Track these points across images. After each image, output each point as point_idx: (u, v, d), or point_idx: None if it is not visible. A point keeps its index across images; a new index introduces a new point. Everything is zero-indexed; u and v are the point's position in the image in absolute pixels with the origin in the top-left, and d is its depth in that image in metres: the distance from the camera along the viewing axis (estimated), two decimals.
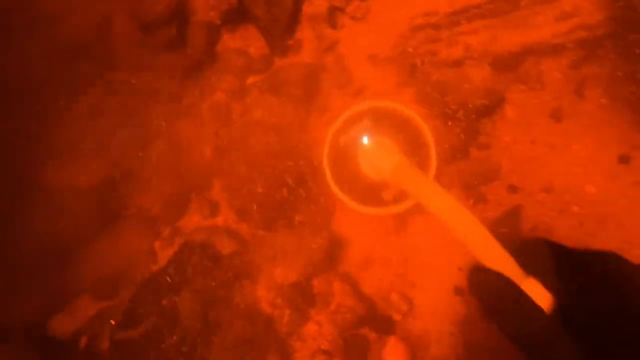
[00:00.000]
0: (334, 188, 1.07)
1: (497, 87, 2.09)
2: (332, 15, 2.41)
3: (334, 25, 2.42)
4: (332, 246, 2.08)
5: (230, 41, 2.55)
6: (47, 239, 2.21)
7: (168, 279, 1.98)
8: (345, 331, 1.95)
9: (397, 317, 2.01)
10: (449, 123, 2.20)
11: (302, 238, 2.03)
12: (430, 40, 2.14)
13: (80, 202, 2.32)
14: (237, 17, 2.53)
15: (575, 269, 0.69)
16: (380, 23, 2.38)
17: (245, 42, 2.55)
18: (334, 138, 1.12)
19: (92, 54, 2.47)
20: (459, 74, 2.10)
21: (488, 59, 2.09)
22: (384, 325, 1.99)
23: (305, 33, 2.45)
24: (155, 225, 2.37)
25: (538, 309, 0.67)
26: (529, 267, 0.76)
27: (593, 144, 2.02)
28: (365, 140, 1.11)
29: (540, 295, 0.67)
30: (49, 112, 2.33)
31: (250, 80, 2.45)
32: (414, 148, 1.13)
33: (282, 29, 2.39)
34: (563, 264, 0.72)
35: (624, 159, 1.98)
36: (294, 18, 2.43)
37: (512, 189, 2.09)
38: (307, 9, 2.42)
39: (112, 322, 2.06)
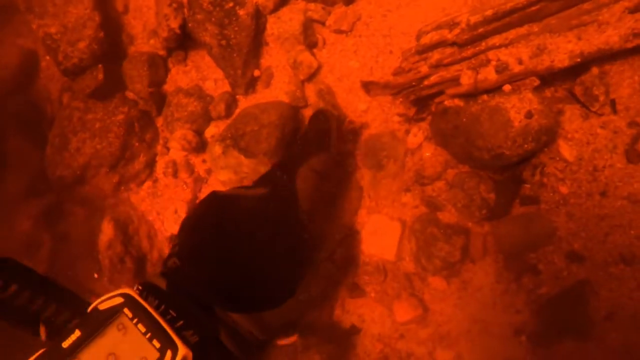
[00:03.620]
0: None
1: (547, 119, 1.48)
2: (309, 31, 1.77)
3: (312, 45, 1.79)
4: None
5: (180, 76, 1.95)
6: None
7: None
8: None
9: None
10: (479, 172, 1.62)
11: None
12: (447, 60, 1.51)
13: None
14: (185, 43, 1.92)
15: None
16: (374, 36, 1.74)
17: (200, 73, 1.94)
18: None
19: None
20: (490, 109, 1.49)
21: (532, 81, 1.47)
22: None
23: (275, 59, 1.83)
24: None
25: None
26: None
27: None
28: None
29: None
30: None
31: (211, 130, 1.87)
32: None
33: (242, 58, 1.78)
34: None
35: None
36: (257, 41, 1.80)
37: (574, 257, 1.53)
38: (273, 27, 1.78)
39: None
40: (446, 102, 1.57)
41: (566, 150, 1.54)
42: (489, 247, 1.65)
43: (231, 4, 1.74)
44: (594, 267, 1.50)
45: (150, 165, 1.94)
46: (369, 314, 1.69)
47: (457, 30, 1.45)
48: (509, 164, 1.51)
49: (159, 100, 1.94)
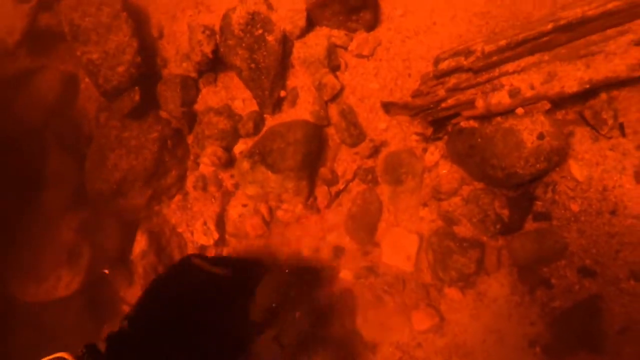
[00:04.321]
0: None
1: (558, 141, 1.57)
2: (333, 56, 1.90)
3: (335, 68, 1.91)
4: None
5: (210, 96, 2.09)
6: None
7: None
8: None
9: None
10: (493, 190, 1.71)
11: None
12: (463, 85, 1.62)
13: (65, 311, 1.97)
14: (216, 66, 2.06)
15: None
16: (394, 60, 1.85)
17: (229, 93, 2.08)
18: None
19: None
20: (504, 130, 1.59)
21: (543, 105, 1.56)
22: None
23: (300, 81, 1.95)
24: None
25: None
26: None
27: None
28: None
29: None
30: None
31: (239, 147, 2.00)
32: None
33: (270, 80, 1.91)
34: None
35: None
36: (283, 64, 1.93)
37: (586, 272, 1.61)
38: (299, 51, 1.91)
39: None
40: (462, 124, 1.67)
41: (577, 170, 1.63)
42: (504, 261, 1.73)
43: (260, 31, 1.87)
44: (606, 283, 1.57)
45: (181, 179, 2.07)
46: (388, 322, 1.78)
47: (472, 58, 1.56)
48: (522, 182, 1.60)
49: (191, 118, 2.07)
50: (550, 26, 1.48)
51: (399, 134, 1.85)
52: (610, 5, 1.44)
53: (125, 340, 1.04)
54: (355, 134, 1.87)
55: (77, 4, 1.91)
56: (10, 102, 2.04)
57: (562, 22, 1.47)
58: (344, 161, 1.91)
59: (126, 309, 2.07)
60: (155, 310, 1.14)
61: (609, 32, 1.51)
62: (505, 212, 1.70)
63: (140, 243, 1.89)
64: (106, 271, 1.88)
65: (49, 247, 1.83)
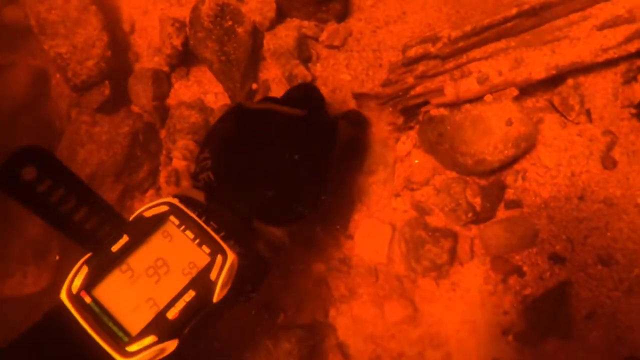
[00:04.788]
0: None
1: (526, 127, 1.57)
2: (304, 47, 1.89)
3: (307, 59, 1.90)
4: None
5: (183, 90, 2.07)
6: None
7: None
8: None
9: None
10: (465, 178, 1.70)
11: None
12: (431, 72, 1.62)
13: (36, 308, 1.94)
14: (188, 60, 2.04)
15: None
16: (365, 51, 1.85)
17: (202, 87, 2.06)
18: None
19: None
20: (473, 117, 1.59)
21: (511, 91, 1.56)
22: None
23: (271, 73, 1.94)
24: None
25: None
26: None
27: None
28: None
29: None
30: None
31: None
32: None
33: (241, 72, 1.89)
34: None
35: None
36: (254, 56, 1.91)
37: (556, 258, 1.60)
38: (270, 42, 1.90)
39: None
40: (432, 111, 1.66)
41: (546, 156, 1.63)
42: (476, 250, 1.72)
43: (230, 23, 1.86)
44: (575, 269, 1.57)
45: (154, 174, 2.04)
46: (361, 315, 1.76)
47: (439, 44, 1.56)
48: (492, 169, 1.60)
49: (163, 113, 2.04)
50: (514, 11, 1.48)
51: (371, 125, 1.84)
52: None
53: (218, 189, 1.00)
54: None
55: None
56: None
57: (525, 6, 1.47)
58: None
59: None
60: (236, 161, 1.07)
61: (572, 17, 1.51)
62: (477, 201, 1.69)
63: None
64: (57, 257, 1.85)
65: (13, 243, 1.80)
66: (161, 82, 2.05)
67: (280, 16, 1.90)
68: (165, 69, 2.06)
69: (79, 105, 2.08)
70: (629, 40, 1.48)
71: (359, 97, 1.82)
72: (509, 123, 1.55)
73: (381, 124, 1.81)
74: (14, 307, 1.89)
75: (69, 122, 2.12)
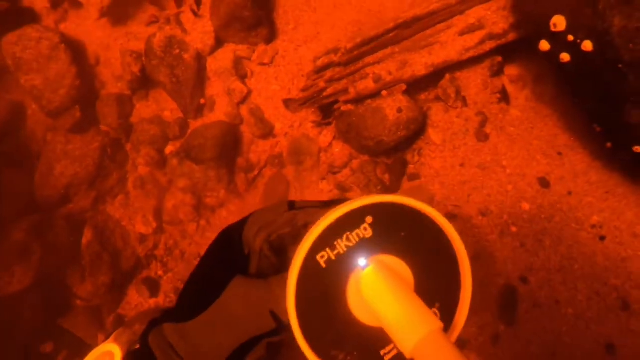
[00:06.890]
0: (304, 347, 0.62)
1: (413, 113, 1.98)
2: (240, 66, 2.30)
3: (243, 76, 2.31)
4: None
5: (144, 109, 2.45)
6: None
7: None
8: None
9: None
10: (376, 160, 2.10)
11: None
12: (337, 77, 2.03)
13: (20, 306, 2.22)
14: (147, 84, 2.43)
15: None
16: (288, 65, 2.27)
17: (159, 106, 2.44)
18: (311, 254, 0.59)
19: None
20: (372, 109, 2.00)
21: (401, 87, 1.99)
22: None
23: (215, 89, 2.34)
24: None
25: None
26: None
27: (521, 155, 1.92)
28: (362, 263, 0.60)
29: None
30: None
31: (169, 148, 2.35)
32: (437, 277, 0.64)
33: (190, 91, 2.28)
34: None
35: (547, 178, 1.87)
36: (200, 77, 2.32)
37: (449, 216, 1.99)
38: (212, 64, 2.31)
39: None
40: (342, 108, 2.07)
41: (435, 135, 2.05)
42: None
43: (178, 51, 2.26)
44: (463, 222, 1.96)
45: (123, 181, 2.39)
46: None
47: (339, 54, 1.98)
48: (390, 149, 2.00)
49: (127, 129, 2.41)
50: (392, 25, 1.92)
51: (298, 124, 2.24)
52: (432, 7, 1.90)
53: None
54: (264, 128, 2.25)
55: (18, 39, 2.25)
56: None
57: (400, 20, 1.92)
58: (257, 152, 2.28)
59: (80, 303, 2.34)
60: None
61: (439, 26, 1.96)
62: (386, 177, 2.08)
63: (87, 236, 2.18)
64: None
65: (1, 247, 2.10)
66: (125, 104, 2.42)
67: (219, 43, 2.31)
68: (128, 92, 2.44)
69: (54, 129, 2.43)
70: (483, 41, 1.93)
71: (287, 102, 2.23)
72: (400, 111, 1.96)
73: (305, 122, 2.22)
74: (1, 306, 2.17)
75: (45, 144, 2.47)
